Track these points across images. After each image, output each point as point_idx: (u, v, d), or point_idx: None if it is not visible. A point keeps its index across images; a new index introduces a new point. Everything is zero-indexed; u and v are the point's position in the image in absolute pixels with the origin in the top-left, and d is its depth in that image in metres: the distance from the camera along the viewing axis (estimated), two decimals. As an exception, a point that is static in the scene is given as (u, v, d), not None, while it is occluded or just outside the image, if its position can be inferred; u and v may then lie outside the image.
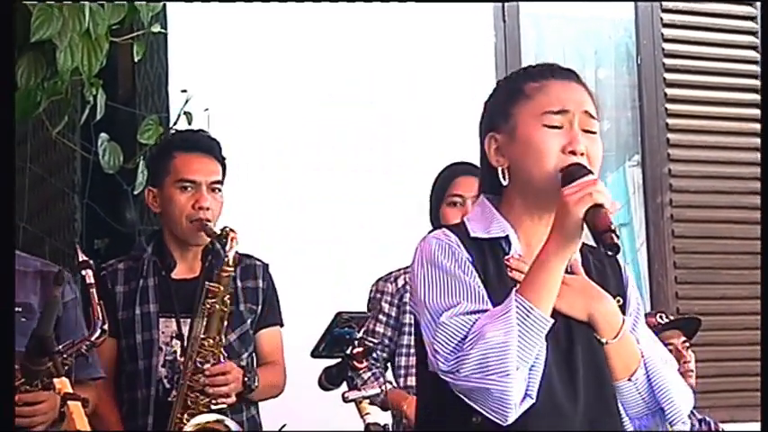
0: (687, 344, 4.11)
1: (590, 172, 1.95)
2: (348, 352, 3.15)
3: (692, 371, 4.05)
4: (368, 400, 3.12)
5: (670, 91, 5.22)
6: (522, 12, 5.01)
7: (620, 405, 2.01)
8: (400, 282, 3.65)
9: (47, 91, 3.37)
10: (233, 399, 3.20)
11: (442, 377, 1.89)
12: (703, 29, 5.30)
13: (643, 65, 5.20)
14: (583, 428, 1.93)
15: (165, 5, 3.93)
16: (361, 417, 3.13)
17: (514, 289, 1.91)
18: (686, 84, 5.25)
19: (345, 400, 3.18)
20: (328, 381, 3.20)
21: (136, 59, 3.54)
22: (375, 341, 3.45)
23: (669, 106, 5.21)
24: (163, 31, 3.62)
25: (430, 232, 2.07)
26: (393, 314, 3.64)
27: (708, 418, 4.16)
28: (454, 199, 3.54)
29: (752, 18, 5.37)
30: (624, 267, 2.12)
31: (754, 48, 5.36)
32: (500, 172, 2.02)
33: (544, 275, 1.90)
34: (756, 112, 5.34)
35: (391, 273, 3.69)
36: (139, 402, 3.24)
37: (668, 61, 5.22)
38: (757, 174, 5.30)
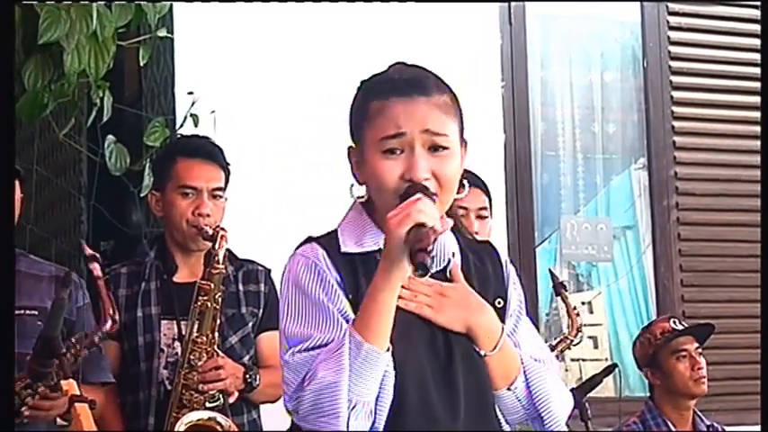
0: (700, 350, 4.07)
1: (425, 193, 1.85)
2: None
3: (704, 377, 4.02)
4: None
5: (676, 94, 5.22)
6: (529, 14, 5.01)
7: (498, 414, 1.98)
8: None
9: (54, 93, 3.37)
10: (235, 396, 3.20)
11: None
12: (710, 32, 5.29)
13: (649, 67, 5.20)
14: None
15: (171, 8, 3.93)
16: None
17: (349, 324, 1.86)
18: (692, 87, 5.24)
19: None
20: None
21: (142, 63, 3.54)
22: None
23: (675, 109, 5.21)
24: (169, 35, 3.62)
25: (300, 245, 2.00)
26: None
27: (716, 425, 4.15)
28: (458, 211, 3.51)
29: (757, 21, 5.37)
30: (505, 263, 2.07)
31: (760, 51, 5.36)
32: (352, 188, 1.98)
33: (375, 308, 1.84)
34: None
35: None
36: (141, 404, 3.26)
37: (674, 64, 5.22)
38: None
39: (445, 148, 1.92)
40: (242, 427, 3.28)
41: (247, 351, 3.35)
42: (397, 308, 1.89)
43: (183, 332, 3.22)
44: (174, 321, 3.27)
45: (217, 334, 3.20)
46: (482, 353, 1.95)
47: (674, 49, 5.22)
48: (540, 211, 5.00)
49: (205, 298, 3.18)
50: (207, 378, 3.15)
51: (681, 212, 5.17)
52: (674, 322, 4.09)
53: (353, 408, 1.82)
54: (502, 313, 2.01)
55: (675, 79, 5.22)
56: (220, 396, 3.19)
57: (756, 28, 5.35)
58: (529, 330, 2.07)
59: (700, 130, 5.24)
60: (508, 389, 1.97)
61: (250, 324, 3.37)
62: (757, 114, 5.33)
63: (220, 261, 3.19)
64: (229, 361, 3.22)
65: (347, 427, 1.81)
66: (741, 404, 4.99)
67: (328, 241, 1.99)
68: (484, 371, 1.95)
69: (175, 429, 3.10)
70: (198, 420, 3.13)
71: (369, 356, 1.82)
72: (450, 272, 1.97)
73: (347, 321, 1.88)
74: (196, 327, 3.18)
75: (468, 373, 1.93)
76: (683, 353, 4.01)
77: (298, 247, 2.01)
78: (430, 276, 1.87)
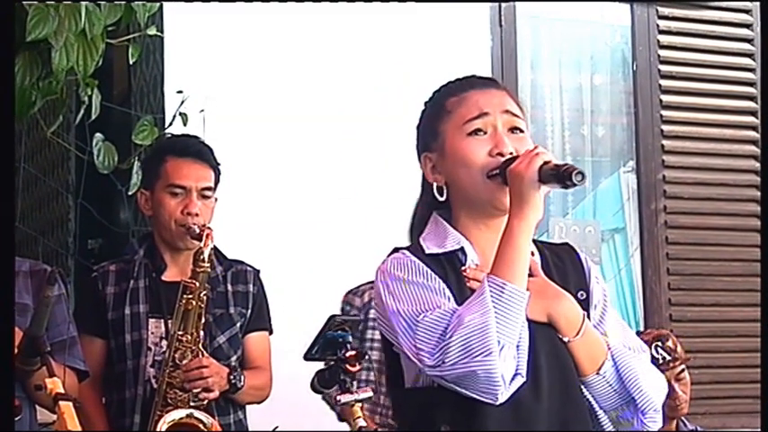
0: (684, 373, 3.98)
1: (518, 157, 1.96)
2: (341, 355, 3.15)
3: (684, 404, 3.95)
4: (360, 404, 3.12)
5: (665, 97, 5.23)
6: (519, 17, 5.02)
7: (591, 401, 2.01)
8: (366, 297, 3.58)
9: (42, 91, 3.36)
10: (216, 394, 3.20)
11: (431, 373, 1.90)
12: (699, 36, 5.31)
13: (639, 71, 5.21)
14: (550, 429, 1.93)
15: (161, 7, 3.93)
16: (353, 420, 3.13)
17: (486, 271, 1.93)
18: (681, 90, 5.26)
19: (338, 403, 3.18)
20: (321, 384, 3.20)
21: (131, 62, 3.53)
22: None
23: (664, 113, 5.22)
24: (159, 34, 3.61)
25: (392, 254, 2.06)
26: (359, 327, 3.58)
27: (699, 429, 4.14)
28: None
29: (748, 26, 5.38)
30: (585, 260, 2.12)
31: (749, 55, 5.37)
32: (435, 189, 2.05)
33: (511, 251, 1.92)
34: (752, 119, 5.35)
35: (360, 286, 3.63)
36: (127, 401, 3.25)
37: (664, 68, 5.23)
38: (752, 181, 5.32)
39: (522, 130, 2.04)
40: (227, 428, 3.27)
41: (235, 351, 3.35)
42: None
43: (171, 331, 3.22)
44: (162, 320, 3.27)
45: (202, 332, 3.20)
46: (565, 339, 1.98)
47: (663, 52, 5.23)
48: (528, 214, 5.00)
49: (190, 296, 3.18)
50: (190, 376, 3.14)
51: (669, 216, 5.18)
52: (656, 348, 3.95)
53: (501, 348, 1.86)
54: (585, 305, 2.06)
55: (665, 83, 5.23)
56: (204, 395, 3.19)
57: (746, 33, 5.37)
58: (618, 322, 2.10)
59: (688, 134, 5.25)
60: (597, 373, 1.99)
61: (238, 324, 3.36)
62: (747, 119, 5.35)
63: (206, 260, 3.19)
64: (214, 361, 3.22)
65: (498, 366, 1.84)
66: (726, 408, 5.01)
67: (413, 248, 2.07)
68: (568, 357, 1.98)
69: (158, 428, 3.10)
70: (181, 419, 3.13)
71: (513, 296, 1.89)
72: (529, 268, 1.99)
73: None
74: (181, 325, 3.18)
75: (551, 358, 1.96)
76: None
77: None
78: None
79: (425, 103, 2.14)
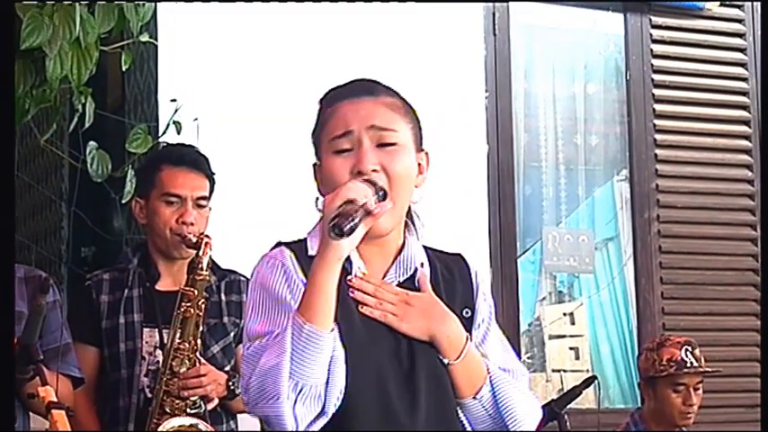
0: (700, 385, 3.97)
1: (369, 182, 1.90)
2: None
3: (692, 413, 3.94)
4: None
5: (658, 107, 5.24)
6: (513, 25, 5.03)
7: (466, 424, 2.00)
8: None
9: (35, 99, 3.36)
10: (215, 402, 3.20)
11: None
12: (692, 45, 5.32)
13: (632, 80, 5.23)
14: None
15: (155, 15, 3.93)
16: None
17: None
18: (675, 100, 5.27)
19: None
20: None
21: (124, 68, 3.53)
22: None
23: (657, 122, 5.23)
24: (152, 41, 3.61)
25: (273, 248, 2.03)
26: None
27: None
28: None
29: (740, 35, 5.40)
30: (475, 275, 2.09)
31: (742, 65, 5.39)
32: (317, 201, 2.00)
33: (314, 289, 1.86)
34: (745, 128, 5.36)
35: None
36: (120, 410, 3.24)
37: (657, 77, 5.24)
38: (745, 190, 5.33)
39: (393, 144, 1.98)
40: (219, 437, 3.27)
41: (228, 361, 3.35)
42: (360, 313, 1.94)
43: (165, 340, 3.21)
44: (156, 329, 3.27)
45: (199, 341, 3.20)
46: (446, 362, 1.97)
47: (656, 62, 5.25)
48: (522, 222, 5.01)
49: (188, 304, 3.18)
50: (189, 384, 3.14)
51: (662, 225, 5.19)
52: (686, 352, 3.99)
53: (300, 391, 1.82)
54: (469, 324, 2.03)
55: (658, 92, 5.24)
56: (201, 403, 3.18)
57: (739, 42, 5.39)
58: (499, 341, 2.08)
59: (682, 143, 5.26)
60: (474, 397, 1.99)
61: (232, 334, 3.36)
62: (740, 128, 5.36)
63: (204, 268, 3.19)
64: (212, 368, 3.21)
65: (293, 409, 1.82)
66: (719, 417, 5.01)
67: (297, 245, 2.03)
68: (447, 379, 1.97)
69: (159, 432, 3.10)
70: (179, 426, 3.13)
71: (311, 337, 1.83)
72: (417, 281, 2.00)
73: None
74: (179, 333, 3.17)
75: (430, 379, 1.95)
76: (681, 387, 3.96)
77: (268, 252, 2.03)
78: (397, 285, 1.97)
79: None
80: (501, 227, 4.89)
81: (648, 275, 5.15)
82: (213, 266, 3.34)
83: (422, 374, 1.94)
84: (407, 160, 2.00)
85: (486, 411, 1.99)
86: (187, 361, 3.16)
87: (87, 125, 3.47)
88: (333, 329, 1.86)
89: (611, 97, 5.27)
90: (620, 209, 5.24)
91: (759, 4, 5.36)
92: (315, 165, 2.06)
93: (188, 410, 3.16)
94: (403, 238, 2.05)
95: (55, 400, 2.54)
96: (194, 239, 3.23)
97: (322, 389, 1.84)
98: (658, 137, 5.22)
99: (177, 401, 3.16)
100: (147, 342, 3.27)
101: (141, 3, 3.39)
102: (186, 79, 4.29)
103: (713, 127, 5.32)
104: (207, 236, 3.23)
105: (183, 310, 3.17)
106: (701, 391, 3.99)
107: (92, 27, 3.30)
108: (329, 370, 1.85)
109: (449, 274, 2.07)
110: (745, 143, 5.35)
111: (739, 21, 5.40)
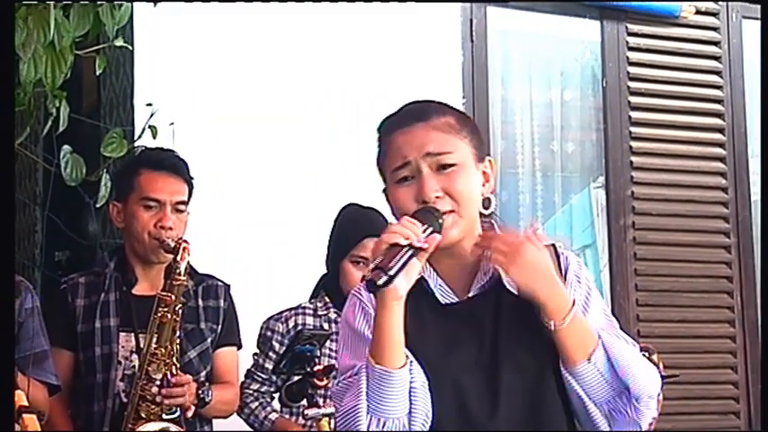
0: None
1: (430, 211, 1.97)
2: (309, 369, 3.14)
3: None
4: (328, 418, 3.11)
5: (634, 114, 5.26)
6: (490, 32, 5.03)
7: (581, 395, 1.97)
8: (291, 323, 3.48)
9: (9, 102, 3.33)
10: (192, 410, 3.19)
11: None
12: (668, 53, 5.35)
13: (608, 87, 5.24)
14: None
15: (131, 19, 3.91)
16: (320, 434, 3.12)
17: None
18: (650, 107, 5.29)
19: (305, 417, 3.17)
20: (289, 398, 3.20)
21: (98, 72, 3.52)
22: (264, 376, 3.45)
23: (633, 129, 5.25)
24: (126, 45, 3.59)
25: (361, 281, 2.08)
26: (282, 353, 3.40)
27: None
28: (358, 259, 3.43)
29: (716, 43, 5.43)
30: (565, 259, 2.09)
31: (717, 73, 5.42)
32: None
33: (379, 332, 1.93)
34: (719, 136, 5.39)
35: (282, 312, 3.52)
36: (96, 415, 3.23)
37: (633, 84, 5.27)
38: (720, 198, 5.35)
39: (452, 165, 2.02)
40: (194, 441, 3.26)
41: (205, 366, 3.34)
42: (448, 321, 2.02)
43: (142, 345, 3.20)
44: (133, 334, 3.26)
45: (176, 346, 3.18)
46: (552, 327, 1.96)
47: (632, 69, 5.27)
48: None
49: (165, 309, 3.17)
50: (174, 393, 3.12)
51: (637, 232, 5.20)
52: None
53: (383, 425, 1.91)
54: None
55: (634, 99, 5.26)
56: (177, 408, 3.17)
57: (714, 50, 5.42)
58: (603, 315, 2.07)
59: (657, 151, 5.28)
60: (588, 360, 1.96)
61: (209, 340, 3.36)
62: (715, 136, 5.39)
63: (182, 273, 3.18)
64: (190, 379, 3.21)
65: None
66: (694, 424, 5.03)
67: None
68: (531, 375, 1.98)
69: (133, 436, 3.09)
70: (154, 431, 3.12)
71: (383, 376, 1.91)
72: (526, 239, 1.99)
73: None
74: (155, 338, 3.16)
75: (514, 388, 1.97)
76: None
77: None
78: (483, 294, 2.03)
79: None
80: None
81: (624, 282, 5.16)
82: (191, 271, 3.33)
83: (503, 380, 1.97)
84: (469, 177, 2.04)
85: (602, 376, 1.96)
86: (163, 366, 3.15)
87: (62, 129, 3.45)
88: (404, 365, 1.93)
89: (588, 104, 5.29)
90: (596, 216, 5.26)
91: (735, 12, 5.39)
92: (384, 190, 2.11)
93: (163, 415, 3.15)
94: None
95: (26, 404, 2.52)
96: (172, 244, 3.22)
97: (405, 420, 1.92)
98: (634, 144, 5.24)
99: (153, 406, 3.16)
100: (123, 347, 3.26)
101: (117, 6, 3.37)
102: (162, 83, 4.28)
103: (689, 134, 5.34)
104: (185, 240, 3.22)
105: (159, 314, 3.17)
106: (660, 397, 3.99)
107: (67, 30, 3.28)
108: (410, 400, 1.92)
109: None
110: (720, 151, 5.37)
111: (715, 29, 5.43)
